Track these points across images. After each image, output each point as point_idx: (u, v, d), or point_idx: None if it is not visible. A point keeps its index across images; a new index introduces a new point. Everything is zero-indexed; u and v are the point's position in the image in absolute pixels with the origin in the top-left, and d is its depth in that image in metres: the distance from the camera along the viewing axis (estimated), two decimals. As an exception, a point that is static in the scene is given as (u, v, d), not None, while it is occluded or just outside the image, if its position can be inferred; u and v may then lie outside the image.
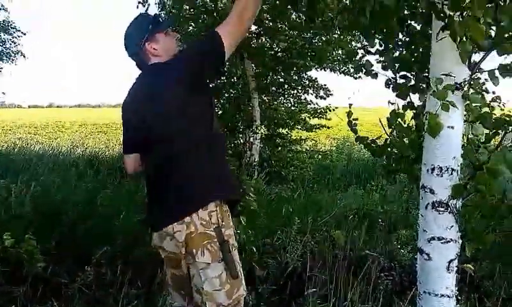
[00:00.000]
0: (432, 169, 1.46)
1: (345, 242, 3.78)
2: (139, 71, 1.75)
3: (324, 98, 5.63)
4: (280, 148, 5.98)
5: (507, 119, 1.68)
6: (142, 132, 1.67)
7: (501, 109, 1.64)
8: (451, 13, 1.22)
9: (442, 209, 1.46)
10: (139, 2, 6.09)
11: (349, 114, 1.86)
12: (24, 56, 8.55)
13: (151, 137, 1.64)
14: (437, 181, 1.46)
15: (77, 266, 2.94)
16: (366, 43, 1.61)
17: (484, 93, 1.79)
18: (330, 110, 5.73)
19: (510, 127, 1.55)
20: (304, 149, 6.56)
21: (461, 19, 1.20)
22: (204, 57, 1.58)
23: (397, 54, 1.78)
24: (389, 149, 1.77)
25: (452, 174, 1.44)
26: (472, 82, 1.42)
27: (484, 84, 1.80)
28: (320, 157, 7.41)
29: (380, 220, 3.97)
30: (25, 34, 9.15)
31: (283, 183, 5.73)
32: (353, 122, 1.84)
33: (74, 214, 3.73)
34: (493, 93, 1.85)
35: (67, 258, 3.09)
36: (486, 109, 1.81)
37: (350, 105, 1.87)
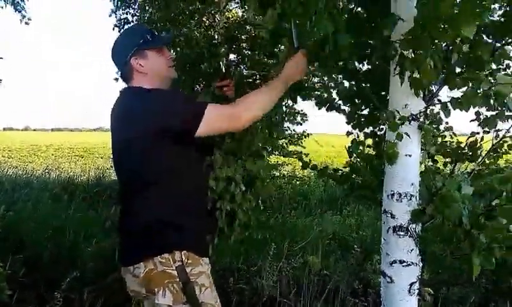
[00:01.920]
0: (392, 195, 1.53)
1: (320, 267, 3.83)
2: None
3: (301, 124, 5.76)
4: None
5: (460, 147, 1.81)
6: (114, 157, 1.60)
7: (451, 137, 1.76)
8: (404, 52, 1.32)
9: (402, 233, 1.53)
10: (115, 25, 6.17)
11: (300, 157, 1.96)
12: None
13: (119, 166, 1.59)
14: (397, 206, 1.53)
15: (46, 292, 2.89)
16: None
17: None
18: (305, 136, 5.84)
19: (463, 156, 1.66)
20: (281, 175, 6.64)
21: (412, 56, 1.31)
22: (175, 121, 1.42)
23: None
24: (353, 176, 1.85)
25: (410, 199, 1.52)
26: (427, 113, 1.52)
27: (438, 114, 1.94)
28: (298, 182, 7.50)
29: (355, 245, 4.04)
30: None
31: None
32: (308, 162, 1.95)
33: (44, 239, 3.67)
34: (446, 123, 1.99)
35: (36, 283, 3.03)
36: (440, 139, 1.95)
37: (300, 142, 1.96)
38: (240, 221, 1.76)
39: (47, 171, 9.47)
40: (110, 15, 6.15)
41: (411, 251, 1.54)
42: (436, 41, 1.29)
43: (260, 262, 3.70)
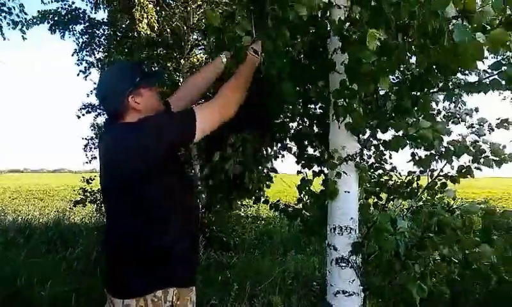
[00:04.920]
0: (334, 228, 1.67)
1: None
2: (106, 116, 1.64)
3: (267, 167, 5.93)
4: (221, 214, 6.08)
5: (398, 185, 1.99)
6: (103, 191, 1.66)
7: (390, 176, 1.93)
8: (337, 101, 1.50)
9: (344, 264, 1.65)
10: (80, 70, 6.33)
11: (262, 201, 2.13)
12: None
13: (109, 201, 1.64)
14: (339, 239, 1.66)
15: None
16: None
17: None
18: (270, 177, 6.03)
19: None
20: (245, 215, 6.71)
21: (345, 104, 1.49)
22: (172, 137, 1.51)
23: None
24: (302, 212, 1.98)
25: (350, 232, 1.65)
26: (362, 154, 1.69)
27: (388, 155, 2.14)
28: (262, 222, 7.55)
29: (314, 283, 4.12)
30: None
31: (224, 249, 5.76)
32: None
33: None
34: (390, 163, 2.19)
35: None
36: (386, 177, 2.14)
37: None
38: None
39: (2, 214, 9.02)
40: (72, 55, 6.29)
41: (353, 281, 1.65)
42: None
43: (221, 304, 3.69)
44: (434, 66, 1.56)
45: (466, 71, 1.79)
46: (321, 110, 1.94)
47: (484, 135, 1.96)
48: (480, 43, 1.10)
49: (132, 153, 1.47)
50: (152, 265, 1.48)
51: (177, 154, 1.57)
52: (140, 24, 4.64)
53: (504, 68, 1.53)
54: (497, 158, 1.75)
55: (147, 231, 1.49)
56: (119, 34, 5.23)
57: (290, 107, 1.87)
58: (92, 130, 6.81)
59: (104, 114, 6.52)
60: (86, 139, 6.81)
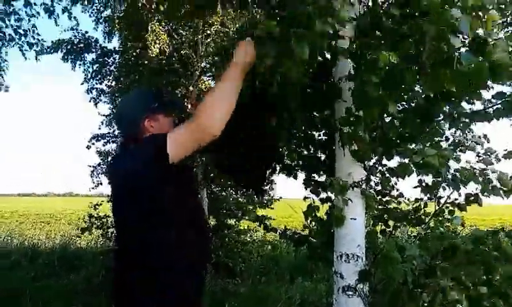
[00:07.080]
0: (341, 256, 1.65)
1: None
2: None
3: (268, 193, 5.96)
4: (227, 239, 6.04)
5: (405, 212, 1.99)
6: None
7: (399, 203, 1.94)
8: (343, 128, 1.52)
9: (351, 293, 1.63)
10: (91, 97, 6.50)
11: (261, 221, 2.11)
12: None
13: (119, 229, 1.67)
14: (345, 267, 1.64)
15: None
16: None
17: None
18: (275, 201, 6.04)
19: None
20: (252, 240, 6.67)
21: (350, 131, 1.51)
22: (151, 162, 1.48)
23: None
24: (309, 238, 1.98)
25: (357, 260, 1.64)
26: (369, 181, 1.70)
27: (394, 182, 2.14)
28: (268, 247, 7.48)
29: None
30: None
31: (230, 275, 5.69)
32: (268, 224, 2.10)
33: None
34: (397, 189, 2.19)
35: None
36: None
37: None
38: None
39: (9, 237, 9.04)
40: (82, 83, 6.45)
41: (360, 310, 1.63)
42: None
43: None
44: (438, 95, 1.59)
45: (471, 100, 1.81)
46: (326, 138, 1.97)
47: (492, 164, 1.96)
48: (486, 67, 1.14)
49: (136, 164, 1.50)
50: (157, 269, 1.48)
51: (179, 169, 1.52)
52: (152, 48, 4.83)
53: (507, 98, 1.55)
54: (505, 189, 1.74)
55: (154, 236, 1.50)
56: (129, 63, 5.38)
57: (298, 134, 1.90)
58: (99, 156, 6.91)
59: (112, 142, 6.63)
60: (93, 166, 6.91)
